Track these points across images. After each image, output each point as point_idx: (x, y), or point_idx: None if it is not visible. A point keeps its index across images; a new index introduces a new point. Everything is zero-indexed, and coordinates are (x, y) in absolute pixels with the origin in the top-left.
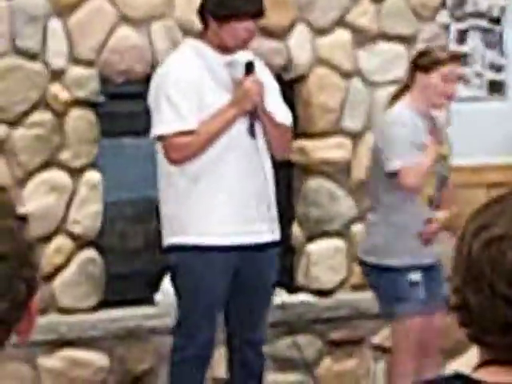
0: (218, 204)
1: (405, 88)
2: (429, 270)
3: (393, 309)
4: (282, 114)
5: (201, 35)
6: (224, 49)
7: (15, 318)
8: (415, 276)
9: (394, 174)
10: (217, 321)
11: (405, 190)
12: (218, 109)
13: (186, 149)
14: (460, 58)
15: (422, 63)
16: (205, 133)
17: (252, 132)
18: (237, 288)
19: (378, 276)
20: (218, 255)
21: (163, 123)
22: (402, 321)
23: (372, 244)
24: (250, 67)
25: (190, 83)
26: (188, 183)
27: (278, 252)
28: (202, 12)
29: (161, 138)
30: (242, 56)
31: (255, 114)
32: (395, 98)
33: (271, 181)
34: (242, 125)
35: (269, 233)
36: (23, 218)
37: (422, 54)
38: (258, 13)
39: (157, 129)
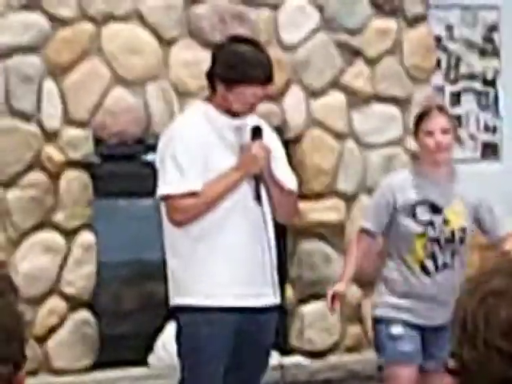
0: (221, 266)
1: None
2: (433, 332)
3: (379, 360)
4: (288, 179)
5: (209, 98)
6: (231, 112)
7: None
8: (396, 329)
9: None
10: (220, 381)
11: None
12: (223, 172)
13: (189, 210)
14: (440, 109)
15: (414, 124)
16: (208, 195)
17: (258, 197)
18: (236, 350)
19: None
20: (220, 317)
21: (167, 184)
22: (385, 372)
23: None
24: (257, 132)
25: (197, 145)
26: (191, 245)
27: (277, 315)
28: (211, 75)
29: (165, 198)
30: (250, 120)
31: (261, 178)
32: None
33: (273, 245)
34: (247, 189)
35: (271, 296)
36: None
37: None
38: (267, 79)
39: (161, 189)
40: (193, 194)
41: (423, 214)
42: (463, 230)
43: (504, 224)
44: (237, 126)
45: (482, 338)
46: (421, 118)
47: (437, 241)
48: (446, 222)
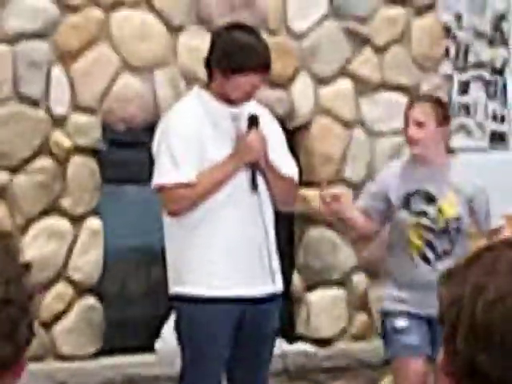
0: (217, 256)
1: None
2: (437, 323)
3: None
4: (286, 166)
5: (206, 86)
6: (228, 100)
7: (13, 363)
8: (400, 323)
9: None
10: (221, 372)
11: None
12: (218, 161)
13: (184, 200)
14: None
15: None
16: (203, 185)
17: (254, 185)
18: (239, 340)
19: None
20: (219, 307)
21: (162, 174)
22: (392, 365)
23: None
24: (253, 121)
25: (192, 134)
26: (187, 234)
27: (279, 303)
28: (208, 63)
29: (160, 188)
30: (248, 108)
31: (257, 167)
32: None
33: (272, 233)
34: (242, 177)
35: (270, 285)
36: (27, 265)
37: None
38: (264, 67)
39: (156, 179)
40: (187, 185)
41: (417, 204)
42: (458, 219)
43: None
44: (233, 115)
45: (499, 342)
46: (408, 106)
47: (432, 230)
48: (440, 211)
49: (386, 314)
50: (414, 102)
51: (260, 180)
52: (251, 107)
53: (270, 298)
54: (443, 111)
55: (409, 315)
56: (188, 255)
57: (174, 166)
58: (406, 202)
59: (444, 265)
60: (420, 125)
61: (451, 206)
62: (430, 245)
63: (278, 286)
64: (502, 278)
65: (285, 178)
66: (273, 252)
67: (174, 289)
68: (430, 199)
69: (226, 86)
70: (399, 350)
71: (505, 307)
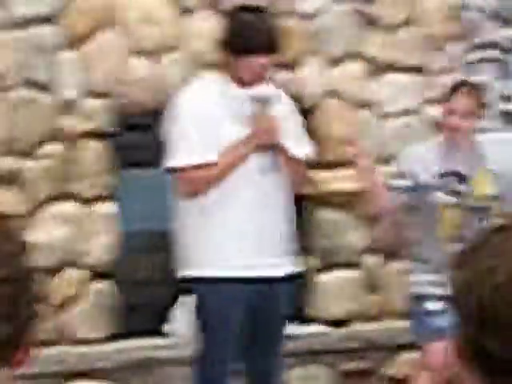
0: (230, 237)
1: None
2: None
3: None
4: (301, 147)
5: (220, 68)
6: (241, 82)
7: (15, 345)
8: (433, 305)
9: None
10: (233, 352)
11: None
12: (232, 143)
13: (198, 182)
14: (469, 89)
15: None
16: (218, 166)
17: (267, 167)
18: (251, 321)
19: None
20: (232, 287)
21: (175, 156)
22: (423, 347)
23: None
24: (267, 102)
25: (205, 116)
26: (200, 216)
27: (292, 285)
28: (221, 45)
29: (173, 170)
30: (263, 90)
31: (271, 149)
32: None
33: (287, 214)
34: (256, 160)
35: (283, 266)
36: (24, 245)
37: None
38: (273, 48)
39: (169, 161)
40: (201, 166)
41: (451, 184)
42: (491, 197)
43: None
44: (247, 96)
45: (508, 325)
46: (450, 92)
47: (467, 209)
48: (473, 190)
49: (417, 298)
50: (456, 91)
51: (273, 162)
52: (267, 89)
53: (283, 279)
54: (482, 99)
55: (440, 298)
56: (200, 237)
57: (188, 148)
58: (440, 183)
59: None
60: (466, 114)
61: (483, 185)
62: (466, 224)
63: (291, 268)
64: (510, 260)
65: (295, 160)
66: (288, 234)
67: (186, 271)
68: (463, 178)
69: (237, 68)
70: (432, 332)
71: (510, 292)
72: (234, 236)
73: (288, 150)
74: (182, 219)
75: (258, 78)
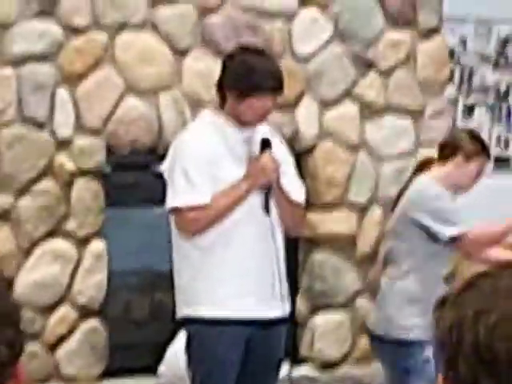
0: (230, 277)
1: (435, 160)
2: None
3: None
4: (296, 191)
5: (218, 108)
6: (241, 122)
7: None
8: (430, 352)
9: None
10: None
11: (466, 256)
12: (232, 183)
13: (198, 223)
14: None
15: (469, 149)
16: (217, 207)
17: (266, 208)
18: (247, 363)
19: (390, 349)
20: (230, 329)
21: (177, 196)
22: None
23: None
24: (266, 143)
25: (206, 156)
26: (201, 255)
27: (287, 327)
28: (221, 85)
29: (174, 210)
30: (260, 132)
31: (270, 190)
32: (423, 167)
33: (283, 256)
34: (256, 200)
35: (280, 309)
36: (9, 282)
37: (473, 137)
38: (277, 89)
39: (170, 201)
40: (203, 207)
41: None
42: None
43: None
44: (246, 137)
45: (505, 365)
46: (479, 152)
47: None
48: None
49: (416, 344)
50: (487, 156)
51: (272, 203)
52: (263, 130)
53: (280, 322)
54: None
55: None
56: (200, 277)
57: (190, 188)
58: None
59: None
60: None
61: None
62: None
63: (287, 310)
64: (502, 301)
65: (295, 204)
66: (283, 275)
67: (185, 311)
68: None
69: (238, 109)
70: (434, 379)
71: (507, 329)
72: (235, 274)
73: (287, 193)
74: (181, 258)
75: (260, 119)
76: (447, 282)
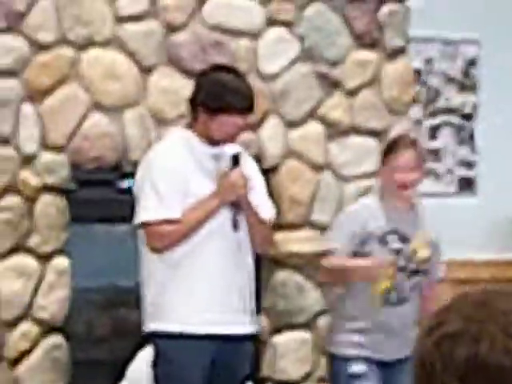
0: (198, 292)
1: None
2: (392, 366)
3: None
4: (265, 209)
5: (189, 125)
6: (211, 141)
7: None
8: (358, 367)
9: None
10: None
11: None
12: (201, 198)
13: (168, 237)
14: (411, 144)
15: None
16: (187, 222)
17: (235, 224)
18: (212, 378)
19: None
20: (196, 343)
21: (147, 211)
22: None
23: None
24: (236, 160)
25: (176, 172)
26: (168, 270)
27: (251, 344)
28: (193, 102)
29: (144, 225)
30: (229, 149)
31: (239, 206)
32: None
33: (252, 273)
34: (225, 216)
35: (247, 325)
36: None
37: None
38: (248, 109)
39: (141, 215)
40: (171, 221)
41: (394, 242)
42: (428, 260)
43: (441, 268)
44: (215, 154)
45: (440, 382)
46: (389, 150)
47: (404, 270)
48: (413, 251)
49: (341, 359)
50: (399, 147)
51: (241, 219)
52: (232, 147)
53: (246, 338)
54: (422, 154)
55: (365, 360)
56: (168, 292)
57: (159, 203)
58: (384, 240)
59: (404, 309)
60: (412, 169)
61: (423, 247)
62: (397, 286)
63: (254, 327)
64: (455, 317)
65: (263, 221)
66: (252, 291)
67: (152, 326)
68: (405, 238)
69: (209, 126)
70: None
71: (449, 346)
72: (203, 291)
73: (256, 210)
74: (148, 273)
75: (230, 138)
76: (387, 302)
